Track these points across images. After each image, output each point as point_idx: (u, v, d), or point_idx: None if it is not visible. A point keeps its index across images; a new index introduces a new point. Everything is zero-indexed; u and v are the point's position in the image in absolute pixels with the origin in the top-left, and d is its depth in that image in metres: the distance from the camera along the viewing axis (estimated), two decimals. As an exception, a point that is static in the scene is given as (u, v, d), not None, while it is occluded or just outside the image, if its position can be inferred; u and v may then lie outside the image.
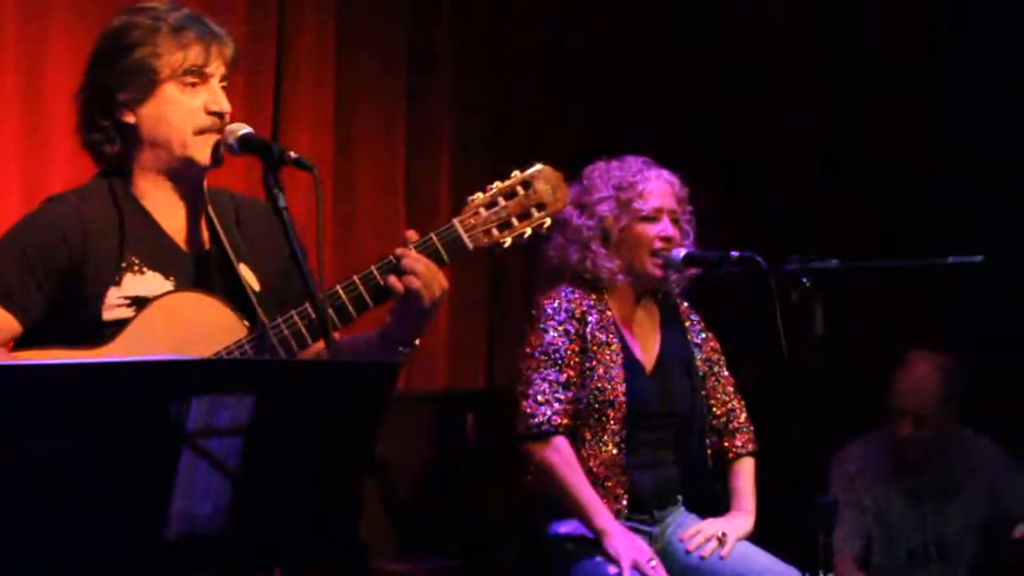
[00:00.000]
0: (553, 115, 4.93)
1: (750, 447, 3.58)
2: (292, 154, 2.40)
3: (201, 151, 2.53)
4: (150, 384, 1.81)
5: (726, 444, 3.58)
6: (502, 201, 2.58)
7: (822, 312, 3.16)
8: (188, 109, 2.52)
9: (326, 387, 2.01)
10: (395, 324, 2.54)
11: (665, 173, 3.53)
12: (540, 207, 2.59)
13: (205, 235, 2.62)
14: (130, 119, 2.56)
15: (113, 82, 2.56)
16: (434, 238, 2.53)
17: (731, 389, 3.63)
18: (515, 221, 2.58)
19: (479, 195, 2.59)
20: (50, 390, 1.78)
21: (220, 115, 2.53)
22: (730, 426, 3.59)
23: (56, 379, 1.79)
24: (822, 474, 3.40)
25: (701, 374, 3.58)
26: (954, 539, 4.23)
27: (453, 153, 4.72)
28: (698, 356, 3.59)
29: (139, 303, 2.48)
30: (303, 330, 2.47)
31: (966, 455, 4.28)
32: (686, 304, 3.66)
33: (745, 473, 3.56)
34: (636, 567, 3.17)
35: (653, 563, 3.19)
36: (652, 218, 3.48)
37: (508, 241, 2.58)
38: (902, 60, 5.15)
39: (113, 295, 2.49)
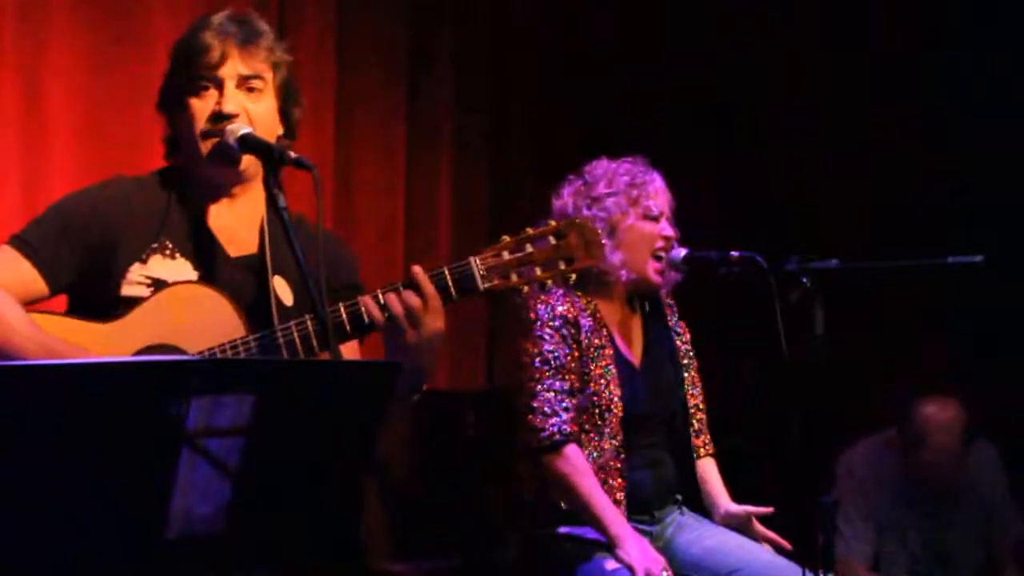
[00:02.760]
0: (553, 115, 4.93)
1: (711, 448, 3.60)
2: (292, 154, 2.40)
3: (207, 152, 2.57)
4: (150, 384, 1.81)
5: (693, 441, 3.58)
6: (529, 247, 2.50)
7: (822, 312, 3.16)
8: (197, 112, 2.55)
9: (326, 387, 2.01)
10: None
11: (660, 175, 3.54)
12: (569, 261, 2.51)
13: (254, 242, 2.64)
14: (172, 131, 2.63)
15: (163, 99, 2.64)
16: (446, 272, 2.48)
17: (699, 386, 3.63)
18: (538, 270, 2.50)
19: (506, 237, 2.51)
20: (50, 390, 1.78)
21: (222, 117, 2.53)
22: (696, 425, 3.59)
23: (56, 379, 1.80)
24: (822, 474, 3.40)
25: (684, 364, 3.59)
26: (955, 547, 4.23)
27: (453, 153, 4.73)
28: (681, 347, 3.59)
29: (159, 285, 2.52)
30: (297, 341, 2.46)
31: (970, 463, 4.27)
32: (668, 299, 3.66)
33: (715, 471, 3.58)
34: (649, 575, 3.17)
35: (666, 573, 3.19)
36: (655, 218, 3.48)
37: (526, 288, 2.52)
38: (902, 60, 5.15)
39: (136, 272, 2.53)
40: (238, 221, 2.63)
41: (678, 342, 3.60)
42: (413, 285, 2.43)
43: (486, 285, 2.47)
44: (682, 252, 3.49)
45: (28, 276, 2.52)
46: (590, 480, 3.29)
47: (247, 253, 2.63)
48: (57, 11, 3.75)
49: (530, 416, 3.33)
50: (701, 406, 3.61)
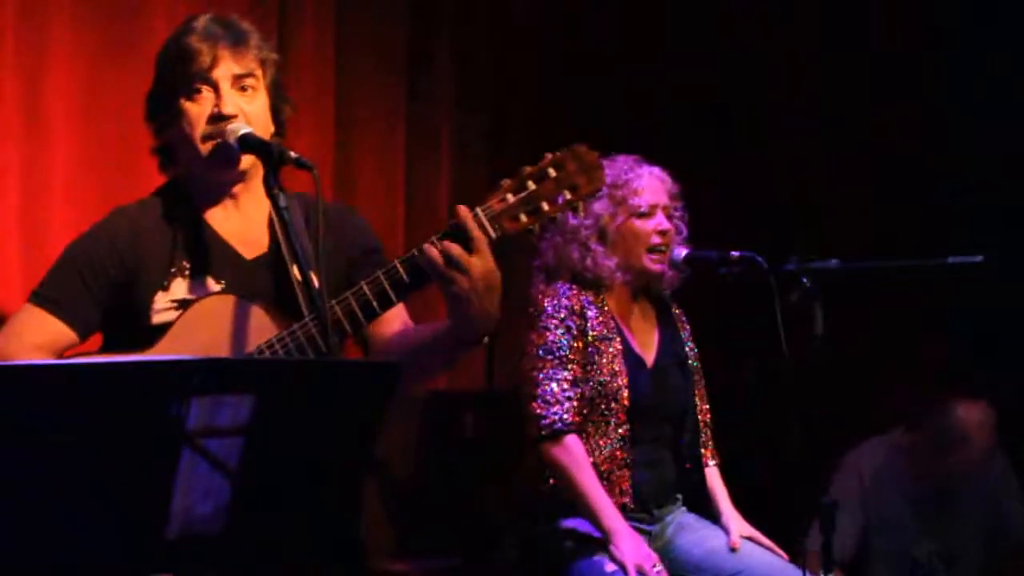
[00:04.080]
0: (553, 115, 4.93)
1: (717, 459, 3.60)
2: (292, 154, 2.40)
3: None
4: (150, 384, 1.81)
5: (701, 451, 3.58)
6: (531, 185, 2.45)
7: (822, 312, 3.16)
8: (196, 117, 2.56)
9: (326, 387, 2.01)
10: (452, 320, 2.46)
11: (656, 170, 3.53)
12: (573, 189, 2.47)
13: (265, 238, 2.64)
14: (168, 138, 2.63)
15: (152, 108, 2.65)
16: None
17: (707, 402, 3.62)
18: (545, 205, 2.45)
19: (506, 181, 2.47)
20: (50, 390, 1.78)
21: (222, 118, 2.53)
22: (703, 438, 3.59)
23: (56, 379, 1.80)
24: (822, 474, 3.40)
25: (695, 379, 3.59)
26: (959, 546, 4.21)
27: (453, 153, 4.73)
28: (691, 358, 3.60)
29: (185, 305, 2.53)
30: (316, 336, 2.47)
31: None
32: (679, 310, 3.66)
33: (720, 482, 3.58)
34: (640, 572, 3.17)
35: (657, 568, 3.19)
36: (647, 214, 3.48)
37: (537, 227, 2.47)
38: (902, 60, 5.15)
39: (161, 300, 2.55)
40: (246, 222, 2.64)
41: (689, 353, 3.60)
42: (453, 231, 2.40)
43: (497, 233, 2.43)
44: (682, 252, 3.50)
45: (56, 330, 2.56)
46: (587, 472, 3.30)
47: (261, 253, 2.63)
48: (57, 13, 3.75)
49: (532, 404, 3.34)
50: (708, 421, 3.61)
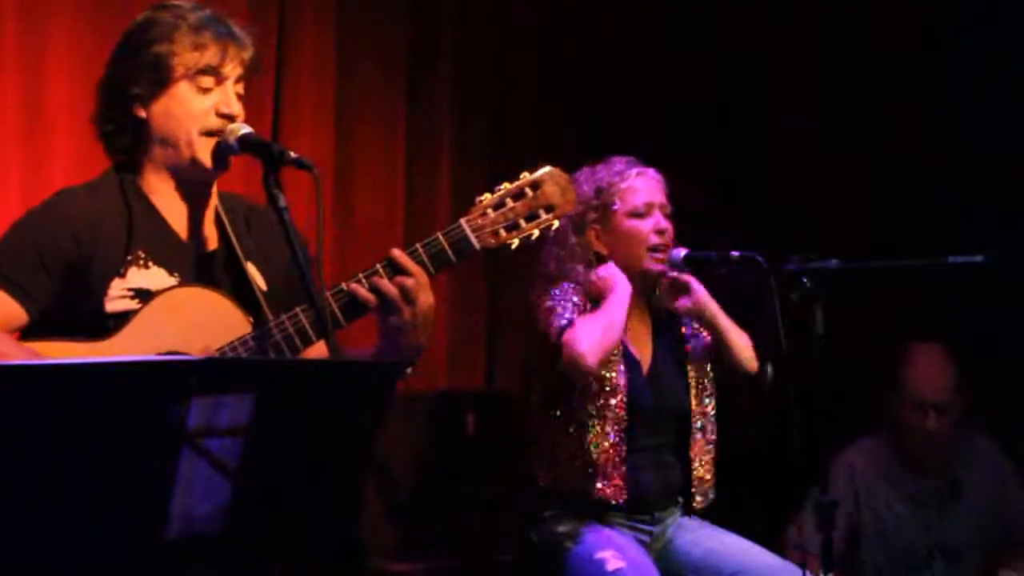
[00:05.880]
0: (553, 115, 4.93)
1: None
2: (292, 154, 2.40)
3: (206, 152, 2.54)
4: (150, 384, 1.81)
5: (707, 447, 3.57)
6: (510, 202, 2.57)
7: (822, 312, 3.16)
8: (198, 109, 2.54)
9: (326, 387, 2.01)
10: (381, 345, 2.54)
11: (650, 171, 3.53)
12: (549, 209, 2.59)
13: (214, 235, 2.64)
14: (142, 114, 2.57)
15: (129, 76, 2.57)
16: (441, 238, 2.52)
17: (713, 410, 3.60)
18: (523, 222, 2.58)
19: (487, 196, 2.58)
20: (50, 390, 1.78)
21: (229, 118, 2.53)
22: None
23: (56, 379, 1.79)
24: (822, 474, 3.39)
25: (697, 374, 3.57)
26: (959, 543, 4.21)
27: (453, 153, 4.73)
28: (691, 362, 3.56)
29: (142, 295, 2.49)
30: (307, 327, 2.47)
31: (969, 454, 4.27)
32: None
33: None
34: None
35: None
36: (643, 213, 3.47)
37: (515, 243, 2.58)
38: (902, 60, 5.14)
39: (117, 287, 2.50)
40: (194, 215, 2.61)
41: (691, 354, 3.57)
42: (395, 266, 2.48)
43: (481, 244, 2.54)
44: (682, 252, 3.49)
45: (8, 309, 2.47)
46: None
47: (211, 249, 2.62)
48: (57, 12, 3.75)
49: (549, 317, 3.35)
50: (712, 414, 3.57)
